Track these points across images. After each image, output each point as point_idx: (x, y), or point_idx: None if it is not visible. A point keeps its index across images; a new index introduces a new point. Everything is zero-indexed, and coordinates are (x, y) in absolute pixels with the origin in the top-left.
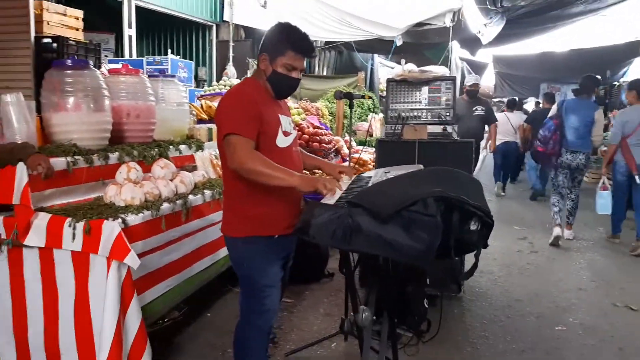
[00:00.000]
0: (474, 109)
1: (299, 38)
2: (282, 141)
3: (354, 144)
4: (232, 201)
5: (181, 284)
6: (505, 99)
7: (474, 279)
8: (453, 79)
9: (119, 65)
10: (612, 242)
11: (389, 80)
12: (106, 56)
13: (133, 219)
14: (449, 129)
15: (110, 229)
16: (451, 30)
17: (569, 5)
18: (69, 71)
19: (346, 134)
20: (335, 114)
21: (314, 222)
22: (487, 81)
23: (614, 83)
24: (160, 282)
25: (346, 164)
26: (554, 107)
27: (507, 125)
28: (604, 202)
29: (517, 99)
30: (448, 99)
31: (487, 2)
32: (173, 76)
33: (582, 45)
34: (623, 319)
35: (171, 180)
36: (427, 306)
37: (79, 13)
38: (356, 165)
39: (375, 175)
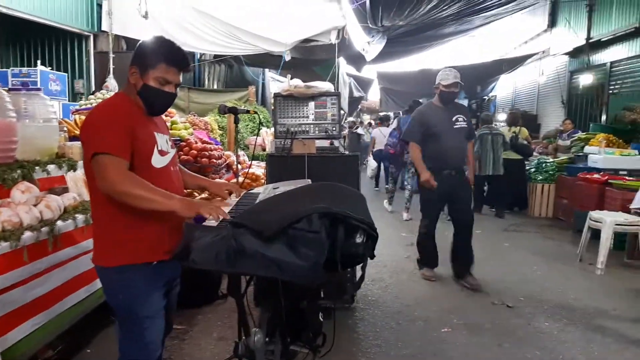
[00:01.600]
0: (454, 119)
1: (171, 50)
2: (158, 161)
3: (245, 158)
4: (102, 227)
5: (52, 320)
6: (389, 113)
7: (366, 287)
8: (338, 95)
9: None
10: None
11: (276, 95)
12: None
13: None
14: (336, 143)
15: None
16: (337, 47)
17: (441, 26)
18: None
19: (236, 149)
20: (227, 128)
21: (194, 246)
22: (373, 96)
23: (484, 97)
24: (26, 321)
25: (237, 180)
26: (395, 122)
27: (382, 139)
28: None
29: (389, 115)
30: (334, 114)
31: (368, 21)
32: (39, 89)
33: (457, 63)
34: (501, 316)
35: (35, 205)
36: (322, 320)
37: None
38: (247, 180)
39: (263, 191)
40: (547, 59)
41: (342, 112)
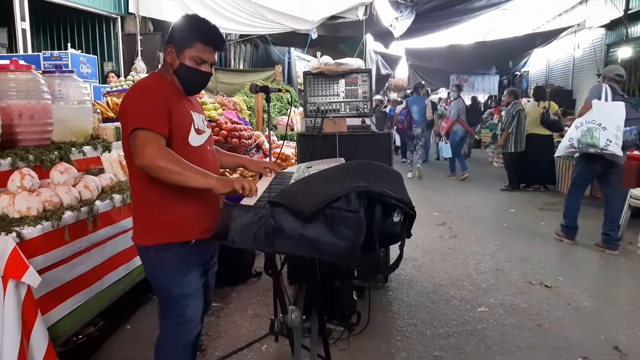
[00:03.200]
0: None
1: (207, 29)
2: (195, 139)
3: (275, 138)
4: (140, 206)
5: (92, 298)
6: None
7: (399, 267)
8: (369, 71)
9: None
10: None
11: (305, 74)
12: None
13: (30, 232)
14: (367, 121)
15: (4, 244)
16: (364, 24)
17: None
18: None
19: (267, 129)
20: (255, 108)
21: (233, 225)
22: (401, 73)
23: (516, 73)
24: (69, 299)
25: (268, 159)
26: (403, 103)
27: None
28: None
29: (422, 83)
30: (365, 92)
31: None
32: (72, 71)
33: (487, 38)
34: (539, 296)
35: (73, 185)
36: (355, 298)
37: None
38: (277, 160)
39: (297, 170)
40: (582, 32)
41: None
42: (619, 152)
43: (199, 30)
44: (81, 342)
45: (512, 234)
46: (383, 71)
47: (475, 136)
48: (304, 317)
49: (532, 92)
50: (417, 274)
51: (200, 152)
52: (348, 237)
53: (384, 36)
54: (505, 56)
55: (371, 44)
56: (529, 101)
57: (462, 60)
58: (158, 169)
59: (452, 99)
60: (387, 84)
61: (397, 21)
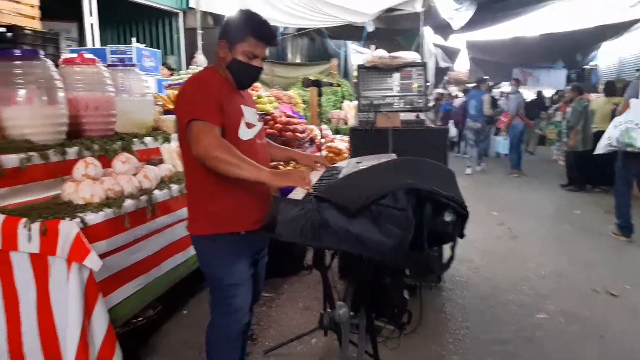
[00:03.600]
0: None
1: (259, 24)
2: (245, 133)
3: (328, 132)
4: (194, 196)
5: (151, 283)
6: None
7: (454, 268)
8: (424, 65)
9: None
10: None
11: (359, 67)
12: (69, 45)
13: (93, 218)
14: (422, 115)
15: (68, 229)
16: (422, 16)
17: None
18: (17, 62)
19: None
20: (309, 102)
21: (280, 219)
22: (461, 66)
23: (584, 67)
24: (128, 282)
25: (322, 153)
26: (463, 97)
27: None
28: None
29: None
30: (420, 86)
31: None
32: (134, 65)
33: (553, 29)
34: (603, 305)
35: (134, 175)
36: (407, 297)
37: (35, 1)
38: (330, 154)
39: (347, 165)
40: None
41: (427, 83)
42: None
43: (251, 25)
44: (141, 324)
45: (576, 237)
46: (442, 64)
47: (536, 130)
48: (352, 313)
49: (602, 87)
50: (473, 276)
51: (250, 145)
52: (395, 235)
53: (443, 28)
54: (572, 49)
55: (429, 36)
56: (598, 97)
57: (526, 53)
58: (213, 159)
59: (511, 92)
60: (446, 77)
61: (456, 13)
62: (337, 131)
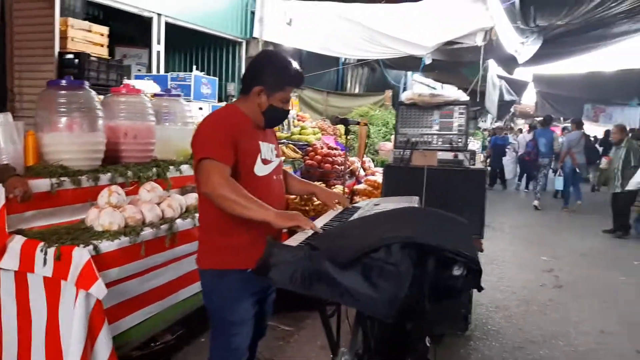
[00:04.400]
0: None
1: (297, 74)
2: (260, 169)
3: (371, 164)
4: (204, 231)
5: (166, 310)
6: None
7: (488, 315)
8: (467, 104)
9: (146, 80)
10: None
11: (399, 104)
12: (139, 70)
13: (107, 246)
14: (461, 155)
15: (80, 255)
16: (482, 49)
17: (610, 25)
18: (62, 91)
19: (357, 157)
20: (358, 133)
21: (272, 263)
22: (528, 100)
23: None
24: (141, 309)
25: (361, 186)
26: (531, 135)
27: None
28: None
29: (551, 117)
30: (461, 124)
31: (519, 21)
32: (179, 95)
33: (630, 65)
34: None
35: (158, 204)
36: (428, 345)
37: (104, 29)
38: (368, 188)
39: (364, 207)
40: None
41: (489, 115)
42: None
43: (290, 75)
44: (158, 349)
45: (629, 291)
46: (507, 97)
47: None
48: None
49: None
50: (506, 325)
51: (266, 181)
52: (385, 291)
53: (508, 61)
54: None
55: (494, 68)
56: None
57: (599, 88)
58: (220, 198)
59: (568, 131)
60: (512, 110)
61: (522, 46)
62: (383, 164)
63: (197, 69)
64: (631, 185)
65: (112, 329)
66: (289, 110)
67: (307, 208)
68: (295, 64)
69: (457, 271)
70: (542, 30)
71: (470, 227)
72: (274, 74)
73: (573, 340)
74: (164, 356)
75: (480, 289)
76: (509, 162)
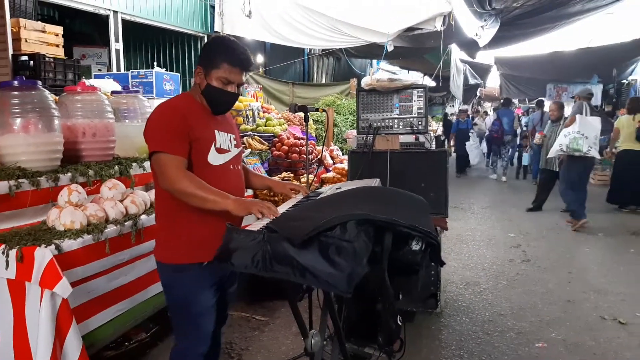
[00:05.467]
0: None
1: (234, 51)
2: (215, 158)
3: (339, 153)
4: (162, 224)
5: (136, 307)
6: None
7: (458, 292)
8: (424, 87)
9: (105, 80)
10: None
11: (358, 90)
12: (100, 70)
13: (70, 244)
14: (422, 138)
15: (42, 256)
16: (442, 34)
17: (564, 5)
18: (15, 92)
19: (332, 144)
20: (324, 122)
21: (232, 249)
22: (493, 83)
23: (622, 81)
24: (110, 307)
25: (330, 174)
26: (493, 115)
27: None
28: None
29: (510, 100)
30: (420, 108)
31: (475, 5)
32: (137, 91)
33: (593, 43)
34: (610, 334)
35: (121, 201)
36: (400, 323)
37: (59, 29)
38: (336, 175)
39: (327, 191)
40: None
41: (457, 100)
42: (598, 156)
43: (226, 52)
44: (133, 347)
45: (592, 261)
46: (472, 81)
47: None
48: (325, 342)
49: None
50: (475, 301)
51: (222, 171)
52: (344, 268)
53: (469, 45)
54: (609, 64)
55: (457, 53)
56: (623, 115)
57: (560, 68)
58: (177, 192)
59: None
60: (478, 94)
61: (482, 30)
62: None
63: (159, 65)
64: (552, 153)
65: (81, 328)
66: (233, 93)
67: (276, 198)
68: (235, 43)
69: (415, 246)
70: (500, 13)
71: (435, 206)
72: (210, 51)
73: (540, 311)
74: (140, 354)
75: (441, 263)
76: (472, 147)
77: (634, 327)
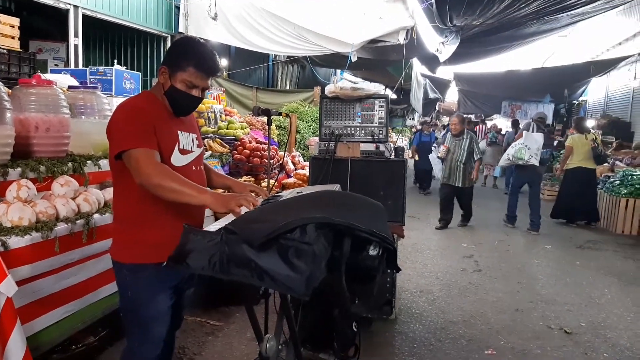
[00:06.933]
0: None
1: (202, 55)
2: (178, 160)
3: (301, 159)
4: (119, 223)
5: (85, 308)
6: (470, 115)
7: (412, 300)
8: (386, 97)
9: (62, 75)
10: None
11: (322, 97)
12: (57, 65)
13: (17, 242)
14: (382, 147)
15: None
16: (405, 48)
17: (521, 25)
18: None
19: (294, 150)
20: (287, 128)
21: (188, 250)
22: (452, 98)
23: (573, 102)
24: (57, 308)
25: (291, 180)
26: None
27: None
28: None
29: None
30: (381, 117)
31: (437, 21)
32: (95, 87)
33: (547, 64)
34: (555, 343)
35: (73, 198)
36: (355, 330)
37: (15, 21)
38: (297, 181)
39: (287, 195)
40: None
41: (417, 114)
42: (537, 164)
43: (194, 55)
44: (80, 351)
45: (541, 272)
46: (431, 95)
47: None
48: (280, 346)
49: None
50: (429, 308)
51: (184, 172)
52: (302, 271)
53: (430, 60)
54: (561, 84)
55: (419, 67)
56: (573, 134)
57: (515, 86)
58: (154, 187)
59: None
60: (437, 108)
61: (443, 46)
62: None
63: (121, 64)
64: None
65: (26, 329)
66: (196, 97)
67: None
68: (204, 47)
69: (372, 251)
70: (460, 30)
71: (393, 214)
72: (176, 52)
73: (490, 319)
74: (86, 359)
75: (397, 269)
76: (436, 161)
77: (579, 336)
